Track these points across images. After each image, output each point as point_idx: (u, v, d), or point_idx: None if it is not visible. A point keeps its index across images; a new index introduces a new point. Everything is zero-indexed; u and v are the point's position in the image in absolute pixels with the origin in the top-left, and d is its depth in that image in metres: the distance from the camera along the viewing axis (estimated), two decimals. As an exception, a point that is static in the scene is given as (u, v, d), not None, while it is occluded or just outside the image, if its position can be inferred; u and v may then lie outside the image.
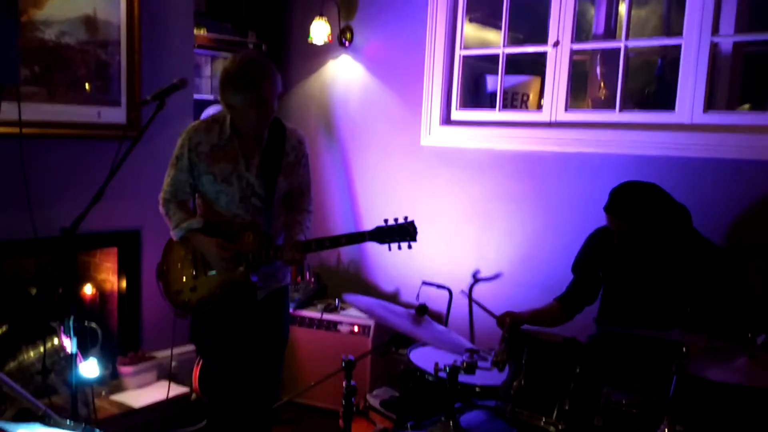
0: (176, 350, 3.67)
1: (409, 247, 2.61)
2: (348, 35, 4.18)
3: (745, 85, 3.44)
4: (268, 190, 2.67)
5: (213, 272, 2.69)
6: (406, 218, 2.61)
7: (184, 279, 2.74)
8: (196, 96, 4.07)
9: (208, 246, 2.63)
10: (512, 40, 3.73)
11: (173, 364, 3.59)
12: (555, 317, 2.90)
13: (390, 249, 2.62)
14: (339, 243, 2.68)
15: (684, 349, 1.98)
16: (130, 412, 3.38)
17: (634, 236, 2.59)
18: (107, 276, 3.83)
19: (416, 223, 2.61)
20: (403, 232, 2.59)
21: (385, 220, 2.61)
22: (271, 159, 2.68)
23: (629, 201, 2.56)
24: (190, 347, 3.82)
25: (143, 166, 3.31)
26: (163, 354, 3.69)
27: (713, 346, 2.18)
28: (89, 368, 3.33)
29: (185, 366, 3.72)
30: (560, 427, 2.11)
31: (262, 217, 2.68)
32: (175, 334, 3.12)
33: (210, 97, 4.41)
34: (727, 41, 3.19)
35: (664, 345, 2.25)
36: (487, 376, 2.44)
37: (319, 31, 4.12)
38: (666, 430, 1.93)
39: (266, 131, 2.69)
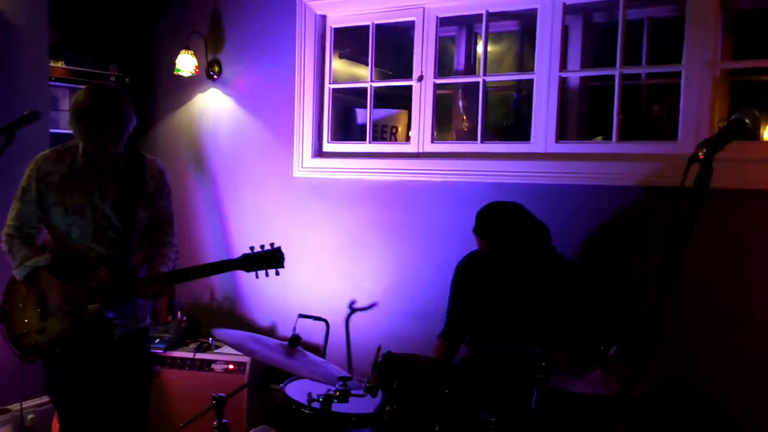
0: (33, 401, 3.41)
1: (277, 273, 2.59)
2: (216, 68, 4.14)
3: (593, 117, 3.73)
4: (125, 221, 2.56)
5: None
6: (272, 245, 2.59)
7: (29, 320, 2.55)
8: (54, 130, 3.86)
9: (50, 288, 2.47)
10: (381, 76, 3.85)
11: (31, 416, 3.33)
12: (446, 354, 2.95)
13: (257, 276, 2.58)
14: (204, 273, 2.60)
15: (543, 364, 2.09)
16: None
17: (501, 254, 2.73)
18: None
19: (289, 254, 2.59)
20: (270, 259, 2.56)
21: (251, 248, 2.58)
22: (129, 189, 2.58)
23: (493, 221, 2.72)
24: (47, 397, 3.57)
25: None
26: (17, 406, 3.41)
27: (571, 359, 2.32)
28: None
29: (45, 418, 3.45)
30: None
31: (118, 250, 2.56)
32: (28, 383, 2.89)
33: (69, 131, 4.19)
34: (574, 76, 3.45)
35: (527, 361, 2.35)
36: (362, 404, 2.44)
37: (186, 63, 4.05)
38: (530, 443, 2.02)
39: (123, 160, 2.59)
